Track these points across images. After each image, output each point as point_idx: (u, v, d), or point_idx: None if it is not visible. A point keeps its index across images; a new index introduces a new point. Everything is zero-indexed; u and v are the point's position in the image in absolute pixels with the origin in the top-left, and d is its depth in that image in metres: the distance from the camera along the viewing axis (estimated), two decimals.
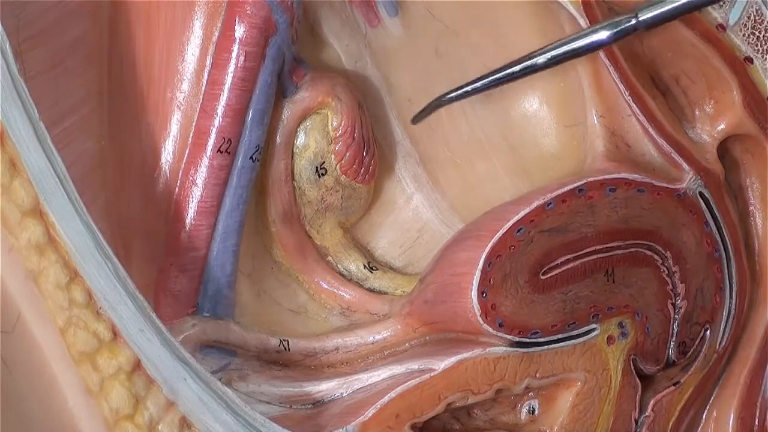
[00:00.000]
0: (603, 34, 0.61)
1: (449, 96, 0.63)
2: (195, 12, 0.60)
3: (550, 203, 0.61)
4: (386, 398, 0.58)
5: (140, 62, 0.60)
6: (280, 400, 0.60)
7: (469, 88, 0.63)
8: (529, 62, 0.61)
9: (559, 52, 0.61)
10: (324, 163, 0.64)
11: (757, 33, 0.65)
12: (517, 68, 0.62)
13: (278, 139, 0.63)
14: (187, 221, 0.60)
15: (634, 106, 0.63)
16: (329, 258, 0.67)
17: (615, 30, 0.61)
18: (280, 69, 0.61)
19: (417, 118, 0.65)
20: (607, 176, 0.62)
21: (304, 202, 0.65)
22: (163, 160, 0.60)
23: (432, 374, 0.59)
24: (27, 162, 0.50)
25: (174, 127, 0.60)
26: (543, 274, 0.61)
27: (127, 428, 0.52)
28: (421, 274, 0.64)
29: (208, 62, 0.60)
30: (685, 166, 0.63)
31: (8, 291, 0.50)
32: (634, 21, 0.61)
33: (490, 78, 0.62)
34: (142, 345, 0.52)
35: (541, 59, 0.61)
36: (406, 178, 0.69)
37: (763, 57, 0.65)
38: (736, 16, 0.65)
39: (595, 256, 0.61)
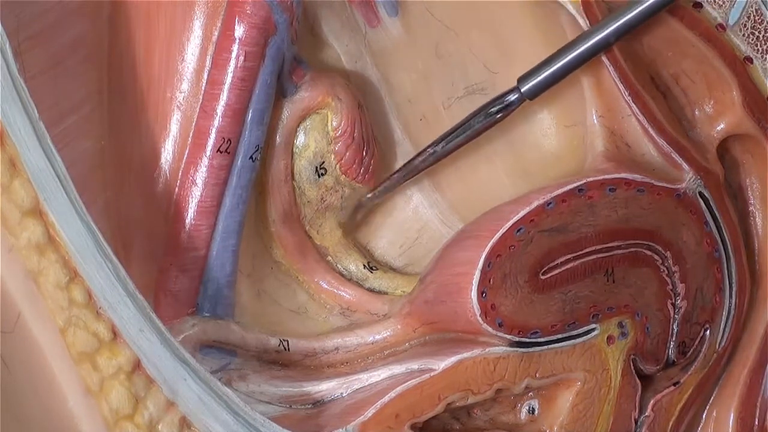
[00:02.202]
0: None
1: (369, 197, 0.66)
2: (195, 12, 0.60)
3: (550, 203, 0.61)
4: (386, 398, 0.58)
5: (140, 62, 0.60)
6: (280, 400, 0.60)
7: (382, 188, 0.66)
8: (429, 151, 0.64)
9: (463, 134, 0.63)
10: (324, 163, 0.64)
11: (756, 33, 0.65)
12: (418, 160, 0.64)
13: (278, 139, 0.63)
14: (187, 221, 0.60)
15: (634, 106, 0.63)
16: (329, 258, 0.67)
17: (501, 106, 0.62)
18: (279, 69, 0.61)
19: (350, 224, 0.66)
20: (607, 176, 0.62)
21: (304, 202, 0.65)
22: (163, 160, 0.60)
23: (432, 374, 0.59)
24: (27, 162, 0.50)
25: (174, 127, 0.60)
26: (543, 274, 0.61)
27: (127, 428, 0.52)
28: (421, 274, 0.64)
29: (208, 62, 0.60)
30: (685, 166, 0.63)
31: (8, 291, 0.50)
32: (517, 94, 0.62)
33: (403, 176, 0.65)
34: (142, 345, 0.52)
35: (439, 147, 0.64)
36: None
37: (763, 57, 0.65)
38: (735, 16, 0.65)
39: (595, 256, 0.61)
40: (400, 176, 0.65)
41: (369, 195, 0.66)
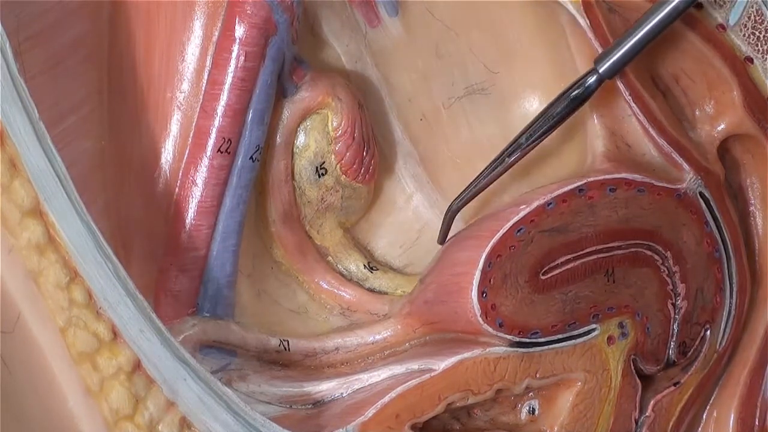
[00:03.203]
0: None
1: (460, 203, 0.64)
2: (195, 12, 0.60)
3: (550, 203, 0.61)
4: (386, 398, 0.58)
5: (140, 62, 0.60)
6: (280, 400, 0.60)
7: (475, 189, 0.63)
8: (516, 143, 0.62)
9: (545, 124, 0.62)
10: (324, 163, 0.64)
11: (757, 33, 0.65)
12: (510, 154, 0.62)
13: (278, 139, 0.63)
14: (187, 221, 0.60)
15: (635, 106, 0.63)
16: (329, 258, 0.66)
17: (581, 89, 0.61)
18: (280, 69, 0.61)
19: (441, 238, 0.64)
20: (607, 176, 0.62)
21: (304, 202, 0.65)
22: (163, 160, 0.60)
23: (432, 374, 0.59)
24: (27, 162, 0.50)
25: (174, 127, 0.60)
26: (543, 274, 0.61)
27: (127, 428, 0.52)
28: (421, 274, 0.64)
29: (208, 62, 0.60)
30: (685, 166, 0.63)
31: (8, 291, 0.50)
32: (595, 75, 0.61)
33: (493, 172, 0.63)
34: (142, 345, 0.52)
35: (523, 139, 0.62)
36: (406, 178, 0.69)
37: (763, 57, 0.65)
38: (736, 16, 0.65)
39: (595, 256, 0.61)
40: (486, 175, 0.63)
41: (458, 200, 0.63)
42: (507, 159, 0.62)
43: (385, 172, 0.68)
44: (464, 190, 0.63)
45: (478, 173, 0.63)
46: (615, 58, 0.61)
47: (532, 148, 0.62)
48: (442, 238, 0.64)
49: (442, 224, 0.65)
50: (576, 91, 0.61)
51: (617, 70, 0.61)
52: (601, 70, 0.61)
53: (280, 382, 0.60)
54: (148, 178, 0.60)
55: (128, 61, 0.60)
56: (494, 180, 0.63)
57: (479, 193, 0.63)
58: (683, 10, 0.61)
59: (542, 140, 0.62)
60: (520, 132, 0.62)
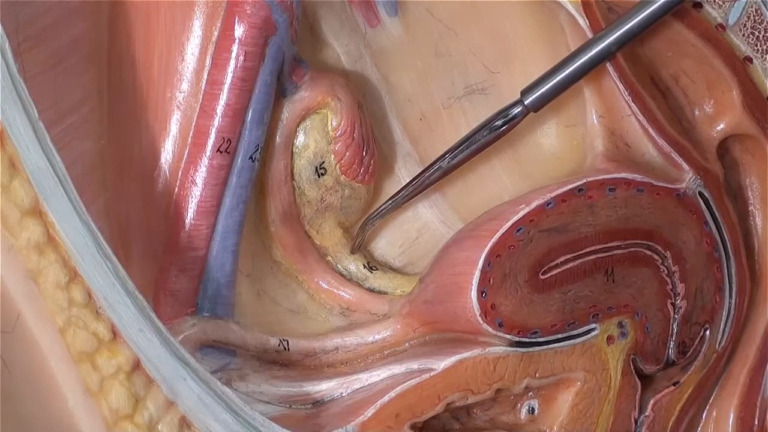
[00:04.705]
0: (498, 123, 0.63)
1: (375, 215, 0.66)
2: (195, 12, 0.60)
3: (550, 203, 0.61)
4: (386, 398, 0.58)
5: (140, 62, 0.60)
6: (280, 400, 0.60)
7: (389, 205, 0.65)
8: (437, 165, 0.64)
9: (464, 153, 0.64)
10: (323, 163, 0.64)
11: (756, 33, 0.65)
12: (430, 172, 0.64)
13: (278, 139, 0.63)
14: (187, 221, 0.60)
15: (634, 106, 0.63)
16: (329, 258, 0.67)
17: (506, 119, 0.63)
18: (279, 69, 0.61)
19: (355, 249, 0.66)
20: (606, 176, 0.62)
21: (303, 201, 0.65)
22: (162, 160, 0.60)
23: (432, 374, 0.59)
24: (27, 162, 0.50)
25: (174, 127, 0.60)
26: (543, 274, 0.61)
27: (127, 428, 0.52)
28: (421, 274, 0.64)
29: (208, 62, 0.60)
30: (684, 166, 0.64)
31: (8, 291, 0.50)
32: (521, 107, 0.62)
33: (409, 190, 0.65)
34: (142, 345, 0.52)
35: (445, 162, 0.64)
36: (406, 178, 0.69)
37: (762, 57, 0.65)
38: (735, 16, 0.65)
39: (594, 256, 0.61)
40: (406, 193, 0.65)
41: (375, 214, 0.66)
42: (425, 181, 0.64)
43: (385, 172, 0.68)
44: (381, 205, 0.65)
45: (396, 192, 0.65)
46: (543, 91, 0.62)
47: (450, 172, 0.64)
48: (355, 248, 0.66)
49: (356, 235, 0.66)
50: (500, 121, 0.62)
51: (544, 103, 0.62)
52: (526, 102, 0.62)
53: (279, 382, 0.60)
54: (148, 178, 0.60)
55: (128, 60, 0.60)
56: (411, 198, 0.65)
57: (394, 210, 0.66)
58: (616, 51, 0.62)
59: (462, 165, 0.64)
60: (441, 155, 0.64)
